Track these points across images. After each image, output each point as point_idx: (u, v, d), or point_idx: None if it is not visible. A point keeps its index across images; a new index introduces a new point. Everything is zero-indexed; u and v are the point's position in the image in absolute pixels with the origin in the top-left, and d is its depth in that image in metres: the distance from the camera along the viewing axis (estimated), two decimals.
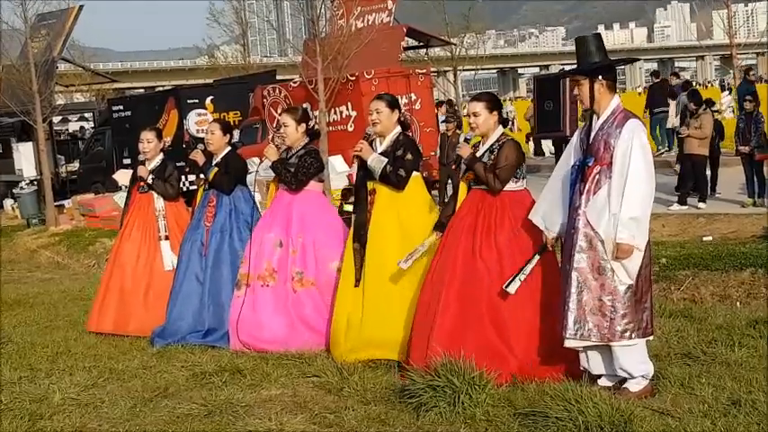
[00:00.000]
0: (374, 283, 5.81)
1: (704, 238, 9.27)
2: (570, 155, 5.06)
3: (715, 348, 5.58)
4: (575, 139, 5.09)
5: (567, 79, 8.21)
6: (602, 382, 4.97)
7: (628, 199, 4.67)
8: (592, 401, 4.42)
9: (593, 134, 4.89)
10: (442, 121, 15.53)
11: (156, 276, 7.33)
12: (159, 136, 7.68)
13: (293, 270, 6.36)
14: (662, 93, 18.59)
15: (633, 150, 4.70)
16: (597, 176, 4.81)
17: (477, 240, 5.29)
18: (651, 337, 4.97)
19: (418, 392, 4.82)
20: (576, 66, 5.05)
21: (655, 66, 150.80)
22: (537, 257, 5.15)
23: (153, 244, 7.41)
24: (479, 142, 5.54)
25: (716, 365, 5.26)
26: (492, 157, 5.38)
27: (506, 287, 5.10)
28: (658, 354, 5.50)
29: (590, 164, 4.85)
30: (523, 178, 5.46)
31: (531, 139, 21.91)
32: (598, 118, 4.90)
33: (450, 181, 13.18)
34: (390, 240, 5.82)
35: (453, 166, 5.78)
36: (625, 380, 4.88)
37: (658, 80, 20.19)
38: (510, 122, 5.74)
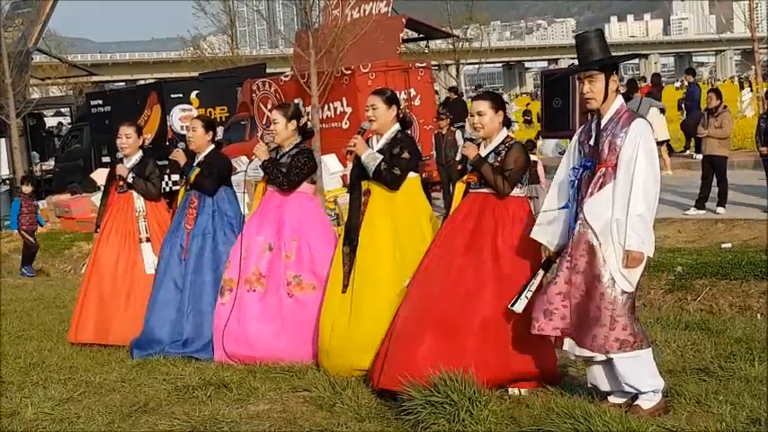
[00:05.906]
0: (363, 292, 5.80)
1: (723, 245, 9.28)
2: (569, 160, 5.06)
3: (734, 363, 5.58)
4: (573, 143, 5.11)
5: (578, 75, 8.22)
6: (613, 399, 4.97)
7: (634, 201, 4.68)
8: (601, 419, 4.42)
9: (595, 135, 4.89)
10: (435, 119, 15.43)
11: (137, 281, 7.34)
12: (139, 131, 7.68)
13: (288, 275, 6.37)
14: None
15: (639, 152, 4.72)
16: (601, 179, 4.82)
17: (477, 245, 5.30)
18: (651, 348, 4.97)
19: (416, 409, 4.81)
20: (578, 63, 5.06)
21: (671, 60, 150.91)
22: (541, 273, 5.14)
23: (133, 247, 7.41)
24: (480, 142, 5.56)
25: (734, 381, 5.25)
26: (498, 159, 5.41)
27: (512, 306, 5.08)
28: (673, 369, 5.51)
29: (592, 168, 4.87)
30: (526, 185, 5.49)
31: (541, 138, 21.91)
32: (601, 118, 4.92)
33: (451, 182, 13.14)
34: (383, 246, 5.81)
35: (458, 167, 5.77)
36: (637, 396, 4.89)
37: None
38: (513, 123, 5.70)
